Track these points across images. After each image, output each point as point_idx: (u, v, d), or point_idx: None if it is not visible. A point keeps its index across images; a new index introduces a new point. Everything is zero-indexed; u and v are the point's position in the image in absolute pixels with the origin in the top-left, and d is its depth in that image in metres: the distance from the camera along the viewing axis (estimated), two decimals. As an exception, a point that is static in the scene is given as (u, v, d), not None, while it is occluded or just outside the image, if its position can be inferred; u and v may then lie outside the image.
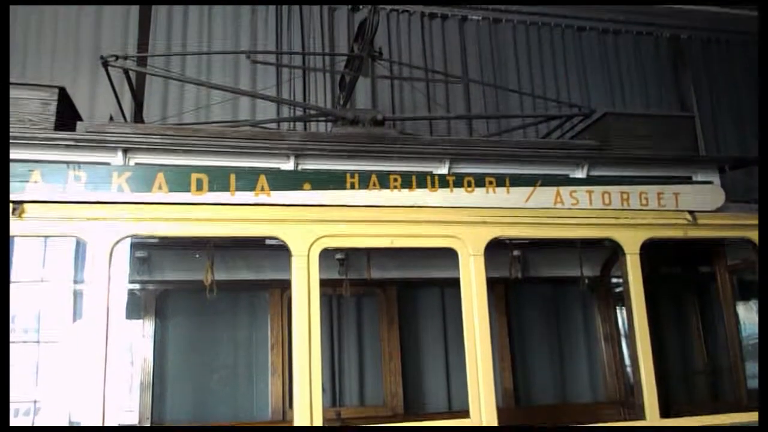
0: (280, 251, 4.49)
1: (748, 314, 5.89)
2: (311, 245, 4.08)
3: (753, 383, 5.54)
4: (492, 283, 6.21)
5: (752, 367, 5.64)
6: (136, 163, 4.17)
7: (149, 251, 5.63)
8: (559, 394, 6.67)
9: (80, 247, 4.45)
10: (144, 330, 5.91)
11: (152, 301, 5.95)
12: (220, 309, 6.13)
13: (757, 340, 5.73)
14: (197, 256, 4.99)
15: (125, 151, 4.16)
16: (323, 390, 5.61)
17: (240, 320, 6.26)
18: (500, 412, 4.20)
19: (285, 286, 4.27)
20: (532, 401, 6.52)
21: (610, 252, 6.38)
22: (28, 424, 4.85)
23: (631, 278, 4.60)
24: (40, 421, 4.77)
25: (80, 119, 4.73)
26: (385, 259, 6.00)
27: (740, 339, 5.57)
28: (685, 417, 4.55)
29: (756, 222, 4.94)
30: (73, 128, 4.41)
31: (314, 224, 4.12)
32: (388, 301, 6.29)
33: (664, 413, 4.45)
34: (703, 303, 6.83)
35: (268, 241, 5.30)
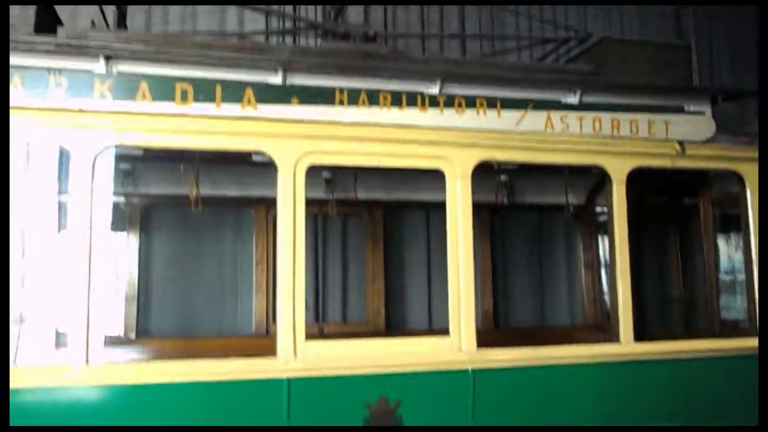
0: (266, 168, 4.45)
1: (727, 248, 5.98)
2: (298, 161, 4.04)
3: (726, 315, 5.68)
4: (478, 208, 6.20)
5: (726, 300, 5.76)
6: (119, 72, 4.05)
7: (134, 164, 5.56)
8: (537, 318, 6.84)
9: (64, 157, 4.36)
10: (129, 243, 5.92)
11: (137, 214, 5.93)
12: (205, 225, 6.15)
13: (734, 275, 5.83)
14: (181, 168, 4.93)
15: (107, 58, 4.02)
16: (306, 307, 5.71)
17: (225, 237, 6.29)
18: (479, 333, 4.30)
19: (270, 203, 4.26)
20: (511, 324, 6.69)
21: (596, 180, 6.40)
22: (15, 335, 4.89)
23: (615, 206, 4.62)
24: (27, 333, 4.79)
25: (61, 24, 4.56)
26: (372, 180, 5.98)
27: (717, 271, 5.67)
28: (658, 342, 4.69)
29: (744, 154, 4.95)
30: (53, 33, 4.25)
31: (301, 140, 4.06)
32: (373, 222, 6.31)
33: (638, 337, 4.58)
34: (684, 234, 6.92)
35: (254, 158, 5.25)
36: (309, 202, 4.16)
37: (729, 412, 4.69)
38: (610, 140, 4.64)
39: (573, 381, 4.39)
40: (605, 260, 6.61)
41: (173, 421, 3.73)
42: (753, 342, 4.79)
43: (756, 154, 5.00)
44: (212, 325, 6.11)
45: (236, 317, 6.19)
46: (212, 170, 5.61)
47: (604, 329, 6.21)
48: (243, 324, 6.13)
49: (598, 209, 6.72)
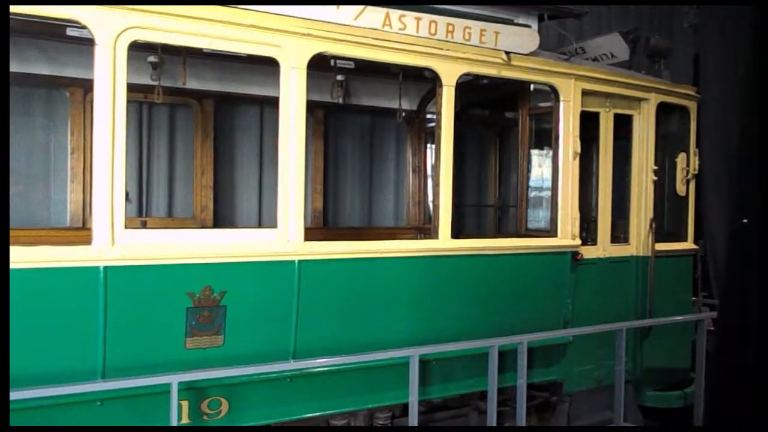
0: (84, 45, 4.05)
1: (539, 160, 6.48)
2: (119, 35, 3.69)
3: (533, 224, 6.19)
4: (312, 107, 6.21)
5: (533, 212, 6.25)
6: None
7: None
8: (365, 219, 7.06)
9: None
10: None
11: None
12: (11, 106, 5.50)
13: (540, 191, 6.33)
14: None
15: None
16: (128, 199, 5.40)
17: (35, 120, 5.68)
18: (308, 231, 4.37)
19: (88, 86, 3.88)
20: (339, 223, 6.85)
21: (427, 88, 6.60)
22: None
23: (444, 109, 4.80)
24: None
25: None
26: (203, 69, 5.68)
27: (528, 181, 6.13)
28: (472, 239, 5.06)
29: (562, 69, 5.33)
30: None
31: (124, 12, 3.70)
32: (204, 114, 6.03)
33: (455, 236, 4.92)
34: (502, 146, 7.42)
35: (69, 31, 4.75)
36: (133, 87, 3.87)
37: (529, 297, 5.27)
38: (444, 44, 4.75)
39: (394, 273, 4.65)
40: (432, 167, 6.91)
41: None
42: (550, 242, 5.37)
43: (572, 70, 5.41)
44: (20, 217, 5.59)
45: (49, 208, 5.72)
46: (19, 43, 5.01)
47: (426, 231, 6.59)
48: (56, 216, 5.69)
49: (429, 116, 6.96)
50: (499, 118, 7.34)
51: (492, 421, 4.84)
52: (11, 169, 5.54)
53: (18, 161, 5.60)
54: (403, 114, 6.27)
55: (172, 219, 6.05)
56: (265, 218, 6.43)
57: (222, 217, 6.23)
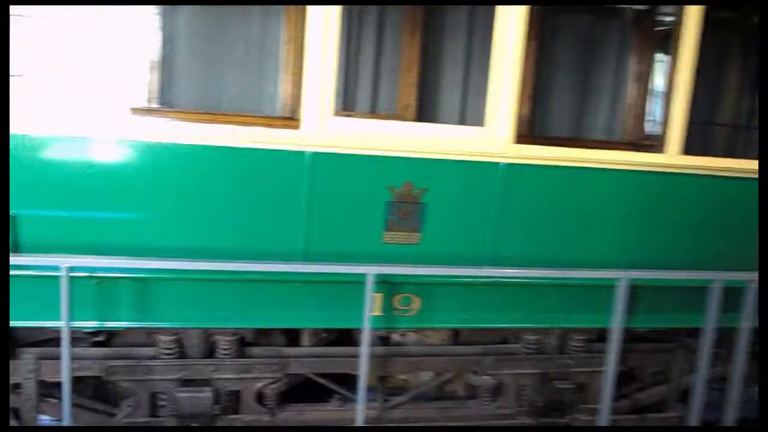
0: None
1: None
2: None
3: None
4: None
5: None
6: None
7: None
8: (575, 129, 6.49)
9: None
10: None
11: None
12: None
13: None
14: None
15: None
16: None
17: (251, 15, 5.81)
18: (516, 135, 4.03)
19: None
20: (546, 132, 6.35)
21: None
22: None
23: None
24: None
25: None
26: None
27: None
28: (707, 156, 4.38)
29: None
30: None
31: None
32: (412, 8, 5.77)
33: (685, 152, 4.30)
34: (746, 55, 6.34)
35: None
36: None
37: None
38: None
39: (607, 186, 4.20)
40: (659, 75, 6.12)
41: (188, 179, 3.64)
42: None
43: None
44: (233, 105, 5.86)
45: (260, 99, 5.92)
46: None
47: (643, 147, 5.91)
48: (270, 105, 5.88)
49: (661, 18, 6.09)
50: (746, 21, 6.24)
51: (704, 363, 4.33)
52: (230, 55, 5.80)
53: (234, 52, 5.80)
54: (631, 13, 5.51)
55: (376, 114, 5.99)
56: (468, 116, 6.12)
57: (425, 114, 6.04)
